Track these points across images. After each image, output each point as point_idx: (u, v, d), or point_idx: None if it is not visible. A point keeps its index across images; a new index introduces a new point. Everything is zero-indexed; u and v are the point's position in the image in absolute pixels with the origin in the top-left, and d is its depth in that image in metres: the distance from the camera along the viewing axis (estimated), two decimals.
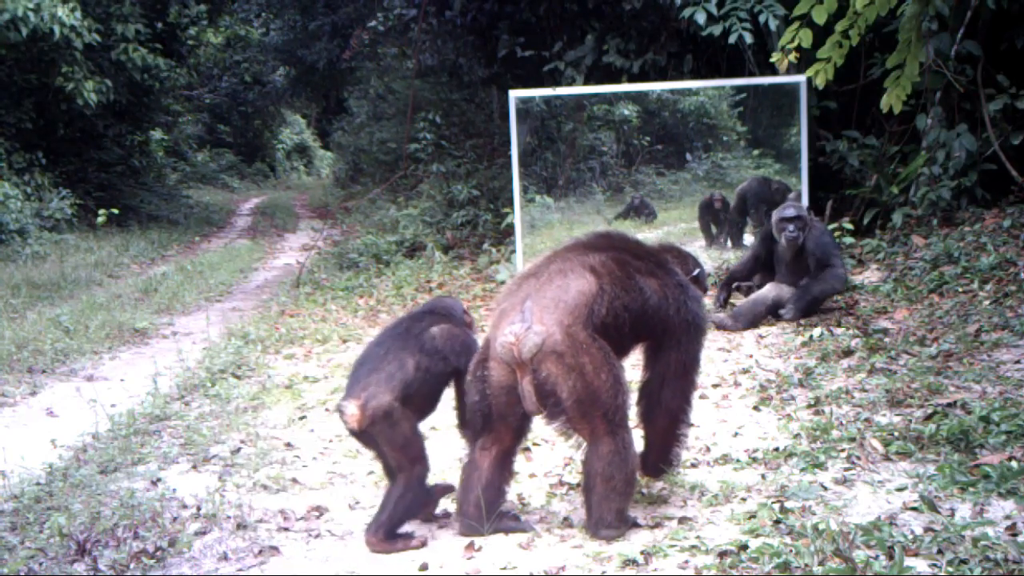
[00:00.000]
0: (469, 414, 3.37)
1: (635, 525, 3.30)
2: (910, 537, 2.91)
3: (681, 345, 3.44)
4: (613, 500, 3.20)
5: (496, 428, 3.30)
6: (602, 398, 3.14)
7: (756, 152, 8.82)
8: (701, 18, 8.08)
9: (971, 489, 3.27)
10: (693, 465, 3.97)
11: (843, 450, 3.83)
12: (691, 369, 3.51)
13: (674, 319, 3.39)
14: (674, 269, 3.55)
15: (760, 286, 6.69)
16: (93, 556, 3.23)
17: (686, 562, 2.95)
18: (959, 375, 4.61)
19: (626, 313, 3.26)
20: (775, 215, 6.54)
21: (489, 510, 3.29)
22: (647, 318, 3.34)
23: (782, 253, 6.56)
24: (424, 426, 4.73)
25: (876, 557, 2.80)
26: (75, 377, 6.20)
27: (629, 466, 3.22)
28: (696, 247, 8.33)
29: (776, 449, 3.95)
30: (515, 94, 8.51)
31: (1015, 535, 2.89)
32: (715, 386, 5.09)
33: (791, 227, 6.34)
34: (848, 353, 5.38)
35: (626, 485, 3.22)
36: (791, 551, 2.85)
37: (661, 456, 3.59)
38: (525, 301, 3.22)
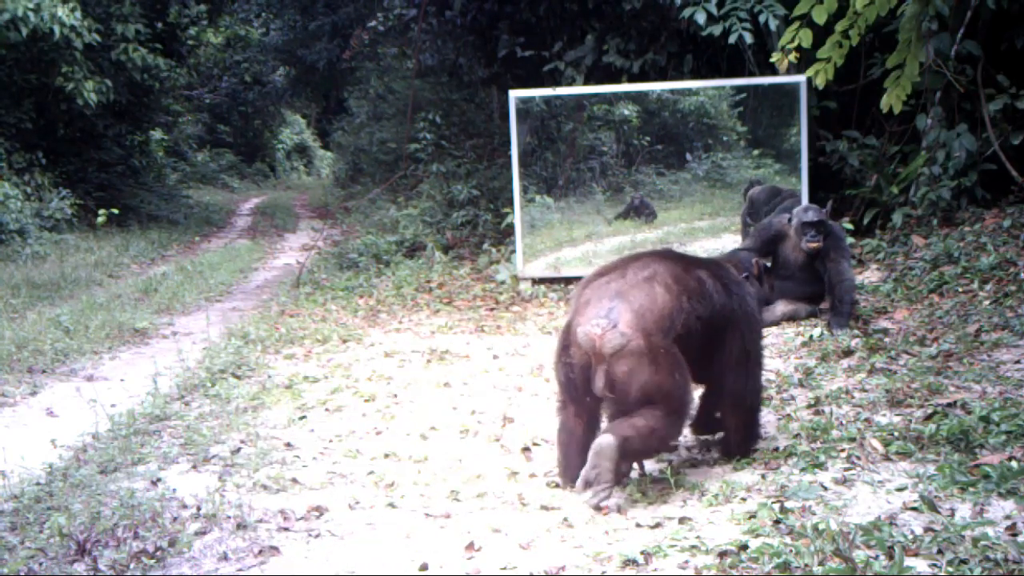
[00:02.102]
0: (561, 391, 3.75)
1: (622, 480, 3.60)
2: (910, 537, 2.91)
3: (743, 336, 3.83)
4: (633, 442, 3.46)
5: (584, 400, 3.63)
6: (669, 395, 3.49)
7: (756, 152, 8.82)
8: (701, 18, 8.08)
9: (971, 489, 3.27)
10: (693, 465, 3.97)
11: (843, 450, 3.83)
12: (751, 358, 3.89)
13: (737, 312, 3.78)
14: (729, 268, 3.99)
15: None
16: (93, 556, 3.23)
17: (686, 562, 2.95)
18: (959, 375, 4.61)
19: (699, 323, 3.63)
20: (795, 218, 6.31)
21: (580, 458, 3.63)
22: (714, 321, 3.70)
23: (791, 255, 6.42)
24: (424, 426, 4.75)
25: (876, 557, 2.80)
26: (75, 377, 6.20)
27: (669, 437, 3.62)
28: (697, 246, 8.32)
29: (776, 449, 3.95)
30: (515, 94, 8.51)
31: (1015, 535, 2.89)
32: None
33: (813, 232, 6.18)
34: (848, 353, 5.39)
35: (648, 444, 3.54)
36: (791, 551, 2.85)
37: (737, 439, 3.97)
38: (613, 299, 3.52)
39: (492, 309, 7.81)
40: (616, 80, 9.28)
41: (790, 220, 6.36)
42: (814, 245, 6.17)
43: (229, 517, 3.57)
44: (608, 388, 3.49)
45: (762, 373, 4.26)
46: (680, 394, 3.55)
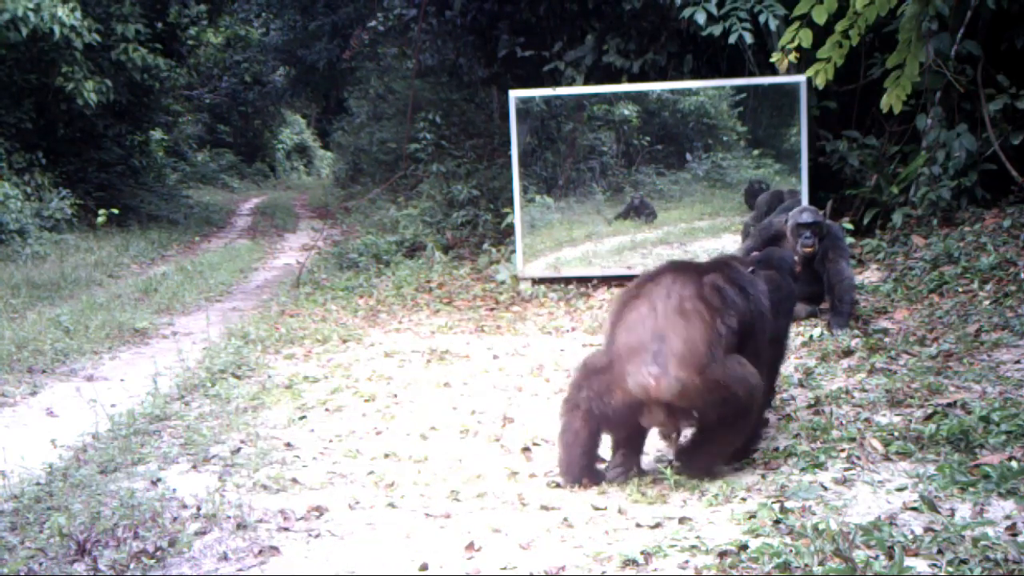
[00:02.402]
0: (577, 402, 3.75)
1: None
2: (910, 537, 2.91)
3: (756, 337, 3.86)
4: (723, 453, 3.74)
5: (612, 424, 3.75)
6: (744, 409, 3.63)
7: (756, 152, 8.82)
8: (701, 18, 8.08)
9: (971, 489, 3.27)
10: None
11: (843, 450, 3.84)
12: (760, 358, 3.90)
13: (754, 313, 3.84)
14: (738, 267, 3.96)
15: None
16: (93, 556, 3.23)
17: (686, 562, 2.95)
18: (959, 375, 4.61)
19: (733, 337, 3.69)
20: (791, 220, 6.33)
21: (590, 467, 3.77)
22: (740, 327, 3.75)
23: None
24: (424, 426, 4.75)
25: (876, 557, 2.80)
26: (75, 377, 6.20)
27: (743, 440, 3.83)
28: (697, 246, 8.32)
29: (776, 449, 3.95)
30: (515, 94, 8.50)
31: (1015, 535, 2.89)
32: None
33: (808, 233, 6.19)
34: (848, 353, 5.39)
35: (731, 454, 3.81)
36: (791, 551, 2.85)
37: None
38: (654, 340, 3.53)
39: (492, 309, 7.81)
40: (616, 80, 9.27)
41: (787, 221, 6.37)
42: (808, 249, 6.15)
43: (229, 517, 3.57)
44: (675, 422, 3.64)
45: (776, 374, 4.38)
46: (753, 400, 3.66)
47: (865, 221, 7.98)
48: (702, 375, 3.50)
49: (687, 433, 3.85)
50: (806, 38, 5.59)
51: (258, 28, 24.59)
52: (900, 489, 3.40)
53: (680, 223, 8.82)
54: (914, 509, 3.19)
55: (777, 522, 3.15)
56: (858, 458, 3.73)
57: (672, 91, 8.89)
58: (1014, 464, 3.37)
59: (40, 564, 3.23)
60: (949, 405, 4.14)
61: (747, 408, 3.66)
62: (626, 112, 9.12)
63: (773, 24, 7.83)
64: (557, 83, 9.64)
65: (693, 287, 3.68)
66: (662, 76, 9.27)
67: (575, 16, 10.20)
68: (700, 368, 3.51)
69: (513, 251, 8.83)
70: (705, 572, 2.86)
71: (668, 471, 3.68)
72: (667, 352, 3.50)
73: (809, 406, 4.53)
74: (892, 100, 5.75)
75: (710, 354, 3.53)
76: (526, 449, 4.33)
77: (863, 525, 3.00)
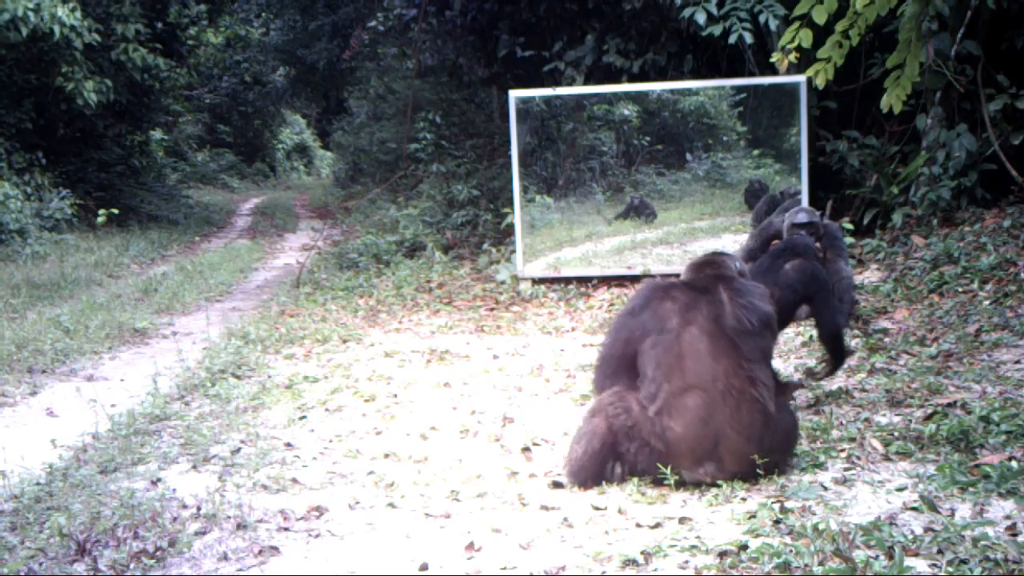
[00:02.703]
0: (603, 412, 3.73)
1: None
2: (910, 537, 2.91)
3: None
4: (787, 455, 3.76)
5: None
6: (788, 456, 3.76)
7: (756, 152, 8.82)
8: (701, 18, 8.08)
9: (971, 489, 3.28)
10: None
11: (843, 450, 3.84)
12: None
13: (770, 324, 3.81)
14: (736, 278, 3.84)
15: None
16: (93, 556, 3.23)
17: (686, 562, 2.95)
18: (959, 375, 4.62)
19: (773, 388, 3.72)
20: (787, 220, 6.37)
21: (599, 475, 3.75)
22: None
23: None
24: (424, 426, 4.75)
25: (876, 557, 2.80)
26: (75, 377, 6.20)
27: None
28: (697, 246, 8.31)
29: None
30: (515, 94, 8.50)
31: (1015, 535, 2.89)
32: None
33: (803, 233, 6.21)
34: (848, 353, 5.38)
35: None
36: (791, 551, 2.85)
37: None
38: (710, 436, 3.55)
39: (492, 309, 7.81)
40: (616, 80, 9.28)
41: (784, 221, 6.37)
42: None
43: (229, 517, 3.57)
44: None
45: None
46: (795, 444, 3.80)
47: (865, 221, 7.99)
48: (751, 461, 3.57)
49: None
50: (806, 38, 5.59)
51: (258, 28, 24.62)
52: (900, 489, 3.40)
53: (680, 223, 8.83)
54: (914, 509, 3.19)
55: (777, 522, 3.15)
56: (858, 458, 3.73)
57: (672, 91, 8.90)
58: (1014, 464, 3.37)
59: (40, 564, 3.23)
60: (949, 405, 4.14)
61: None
62: (626, 112, 9.12)
63: (773, 24, 7.83)
64: (557, 83, 9.64)
65: (735, 357, 3.57)
66: (662, 76, 9.27)
67: (575, 16, 10.20)
68: (751, 455, 3.56)
69: (513, 251, 8.83)
70: (705, 572, 2.86)
71: (668, 470, 3.68)
72: (724, 451, 3.56)
73: (809, 406, 4.54)
74: (892, 100, 5.74)
75: (764, 443, 3.56)
76: (526, 449, 4.33)
77: (863, 525, 3.00)
